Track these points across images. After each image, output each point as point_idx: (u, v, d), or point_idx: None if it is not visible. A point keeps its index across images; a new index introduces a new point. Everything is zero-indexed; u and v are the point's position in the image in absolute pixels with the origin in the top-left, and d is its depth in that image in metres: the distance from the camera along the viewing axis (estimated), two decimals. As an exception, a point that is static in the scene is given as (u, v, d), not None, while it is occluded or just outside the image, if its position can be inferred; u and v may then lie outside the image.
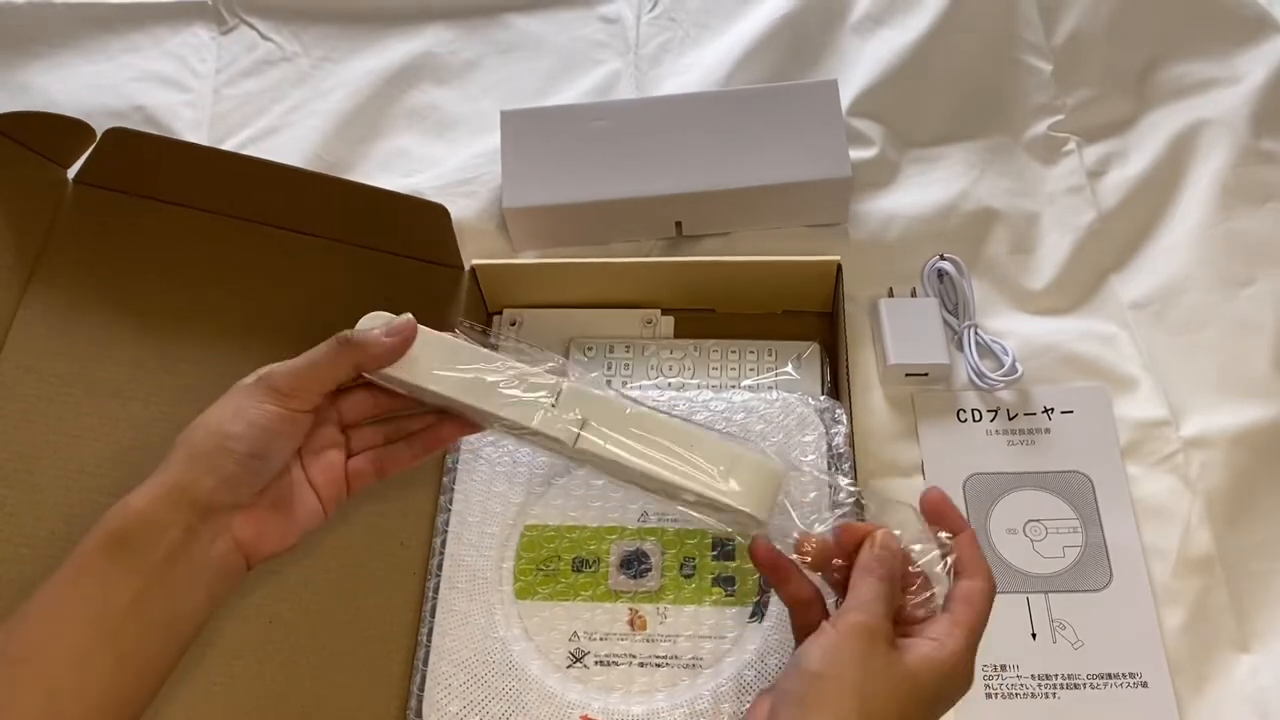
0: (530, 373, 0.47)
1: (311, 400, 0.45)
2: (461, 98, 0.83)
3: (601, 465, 0.47)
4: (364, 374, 0.47)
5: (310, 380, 0.45)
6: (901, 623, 0.43)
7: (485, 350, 0.48)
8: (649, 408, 0.47)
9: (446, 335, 0.48)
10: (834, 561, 0.44)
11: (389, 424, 0.50)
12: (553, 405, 0.46)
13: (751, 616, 0.54)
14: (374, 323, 0.47)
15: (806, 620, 0.45)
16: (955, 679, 0.42)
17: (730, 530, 0.50)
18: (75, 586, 0.41)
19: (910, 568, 0.44)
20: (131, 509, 0.42)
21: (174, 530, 0.42)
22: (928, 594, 0.44)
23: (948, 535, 0.45)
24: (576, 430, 0.46)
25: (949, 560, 0.45)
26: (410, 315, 0.48)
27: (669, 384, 0.64)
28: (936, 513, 0.45)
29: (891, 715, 0.40)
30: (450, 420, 0.50)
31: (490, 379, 0.47)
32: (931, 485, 0.47)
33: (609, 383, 0.65)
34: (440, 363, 0.47)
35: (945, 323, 0.68)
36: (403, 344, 0.46)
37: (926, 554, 0.45)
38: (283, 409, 0.44)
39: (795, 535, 0.45)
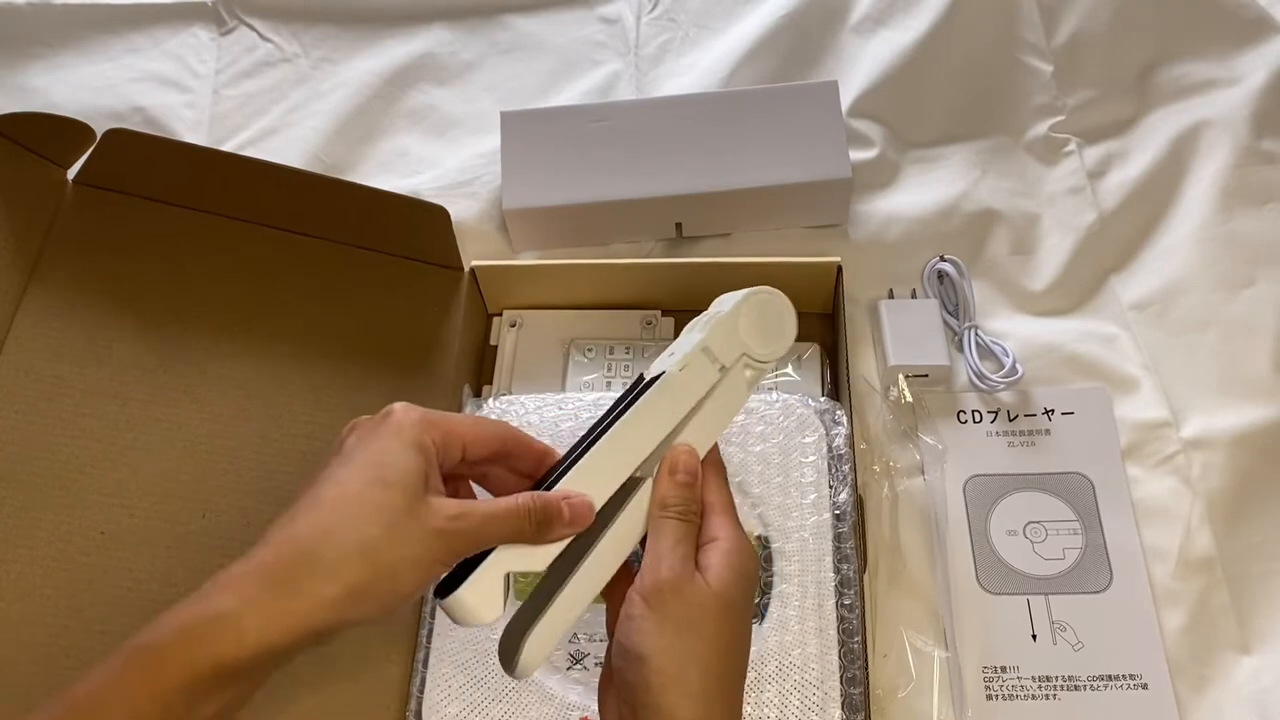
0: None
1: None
2: (461, 98, 0.83)
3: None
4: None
5: (485, 544, 0.40)
6: None
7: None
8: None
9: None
10: None
11: None
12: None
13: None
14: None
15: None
16: (745, 557, 0.42)
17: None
18: (148, 715, 0.35)
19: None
20: (249, 641, 0.35)
21: (288, 660, 0.37)
22: None
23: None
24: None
25: None
26: (592, 503, 0.42)
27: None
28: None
29: (726, 638, 0.40)
30: None
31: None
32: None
33: (609, 385, 0.65)
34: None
35: (945, 324, 0.68)
36: (574, 532, 0.42)
37: None
38: (448, 568, 0.39)
39: None
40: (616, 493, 0.43)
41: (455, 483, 0.44)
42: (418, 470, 0.39)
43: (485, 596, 0.40)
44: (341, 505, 0.38)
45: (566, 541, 0.42)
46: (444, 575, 0.40)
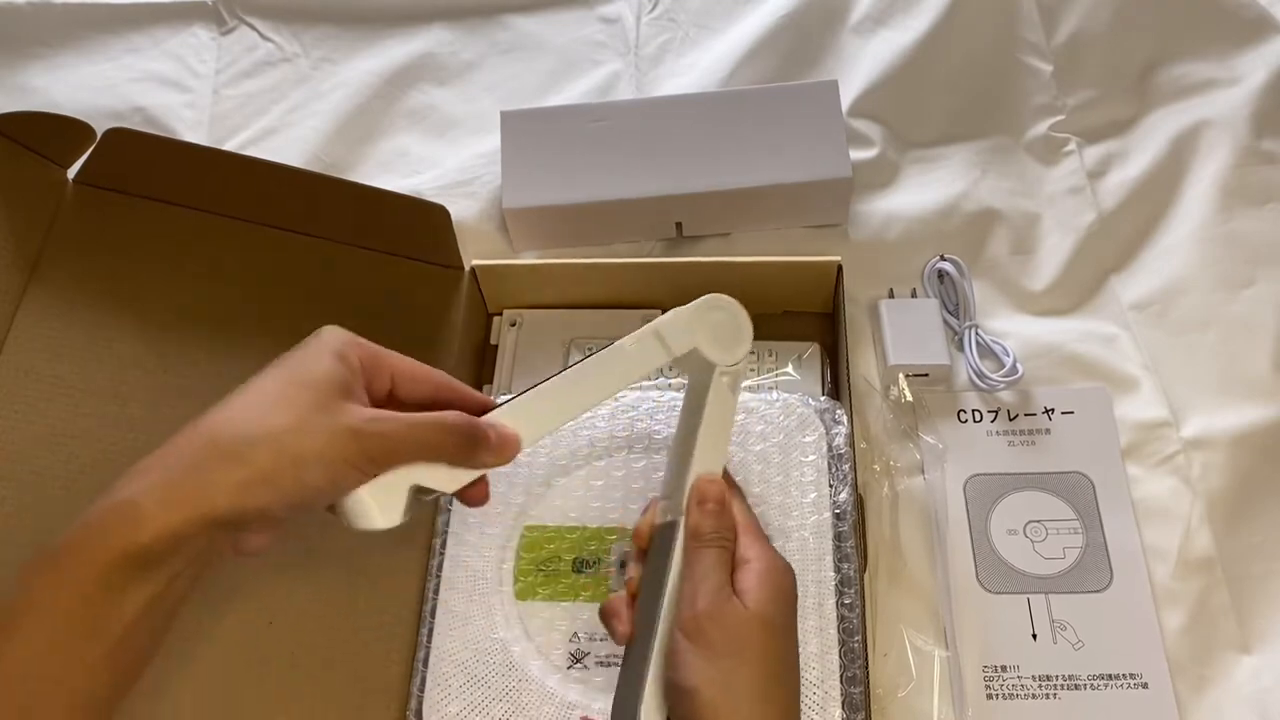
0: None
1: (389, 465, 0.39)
2: (461, 98, 0.83)
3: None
4: None
5: (404, 456, 0.39)
6: None
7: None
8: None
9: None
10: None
11: None
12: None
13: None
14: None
15: None
16: (780, 574, 0.43)
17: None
18: (79, 600, 0.35)
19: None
20: (154, 523, 0.35)
21: (193, 549, 0.37)
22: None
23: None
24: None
25: None
26: (519, 436, 0.43)
27: (669, 384, 0.64)
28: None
29: (773, 658, 0.40)
30: None
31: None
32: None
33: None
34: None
35: (946, 323, 0.68)
36: (505, 462, 0.42)
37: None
38: (362, 474, 0.38)
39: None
40: (659, 545, 0.44)
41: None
42: (338, 376, 0.39)
43: (385, 501, 0.39)
44: (254, 400, 0.38)
45: (481, 472, 0.41)
46: (352, 482, 0.38)
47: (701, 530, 0.43)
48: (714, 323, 0.49)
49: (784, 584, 0.43)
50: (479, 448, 0.41)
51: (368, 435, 0.38)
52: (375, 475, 0.38)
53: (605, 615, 0.45)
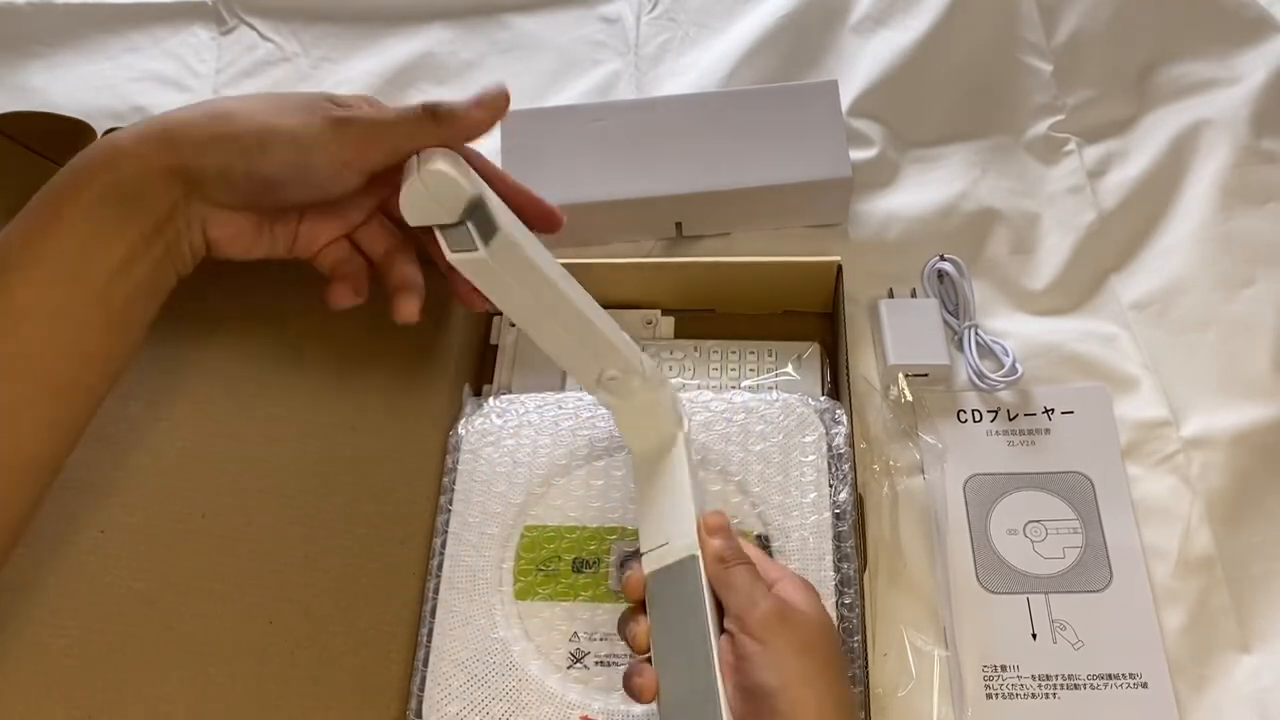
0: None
1: (369, 168, 0.41)
2: (461, 98, 0.82)
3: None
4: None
5: (385, 143, 0.41)
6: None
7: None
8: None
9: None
10: None
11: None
12: None
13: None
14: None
15: None
16: (810, 586, 0.45)
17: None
18: (69, 232, 0.37)
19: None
20: (126, 158, 0.38)
21: (166, 200, 0.39)
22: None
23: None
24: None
25: None
26: (504, 84, 0.44)
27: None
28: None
29: (836, 659, 0.42)
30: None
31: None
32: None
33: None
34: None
35: (945, 323, 0.68)
36: (493, 118, 0.43)
37: None
38: (335, 160, 0.40)
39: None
40: (674, 582, 0.46)
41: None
42: (322, 99, 0.41)
43: (452, 168, 0.41)
44: (233, 101, 0.40)
45: (485, 138, 0.43)
46: (349, 173, 0.40)
47: (724, 555, 0.45)
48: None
49: (815, 593, 0.45)
50: (454, 114, 0.42)
51: (347, 121, 0.40)
52: (344, 163, 0.40)
53: (629, 681, 0.45)
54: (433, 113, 0.41)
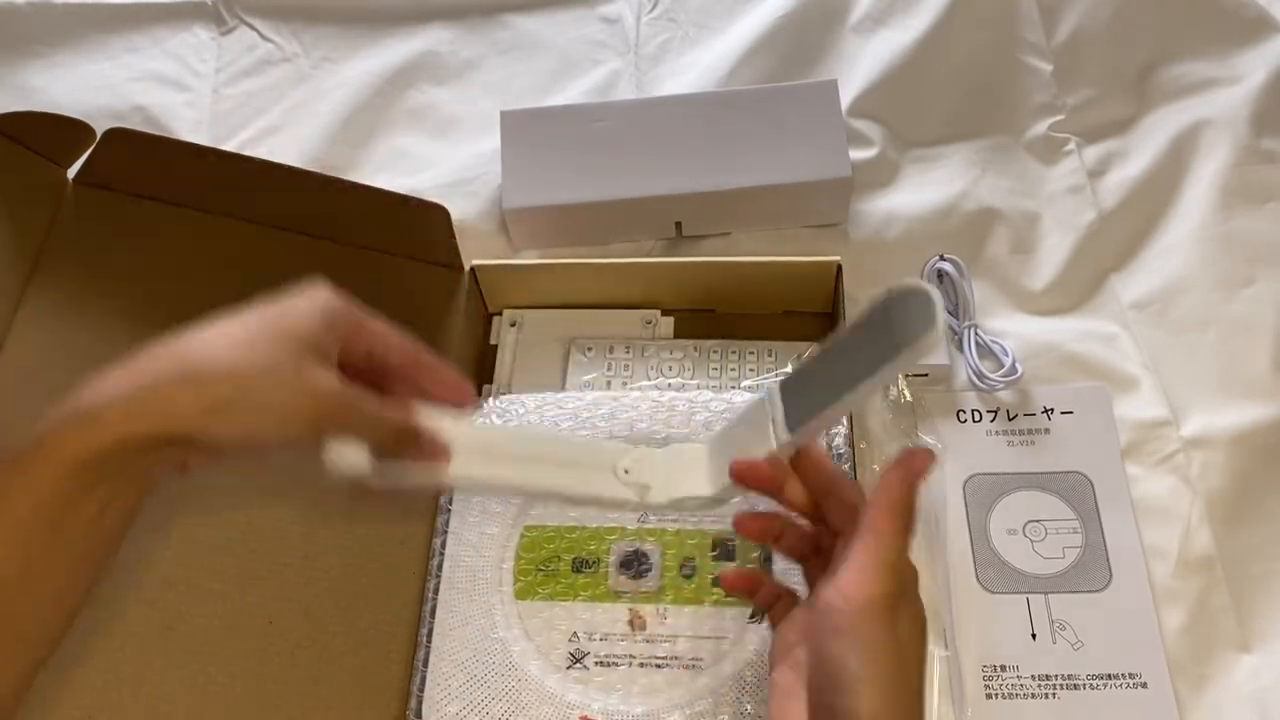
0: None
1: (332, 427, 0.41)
2: (461, 98, 0.83)
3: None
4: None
5: (349, 429, 0.41)
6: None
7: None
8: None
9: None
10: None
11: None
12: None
13: (751, 617, 0.54)
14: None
15: (817, 569, 0.44)
16: (913, 595, 0.41)
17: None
18: (36, 512, 0.37)
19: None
20: (109, 433, 0.37)
21: (150, 461, 0.39)
22: None
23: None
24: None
25: None
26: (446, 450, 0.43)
27: (669, 384, 0.64)
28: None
29: (914, 669, 0.40)
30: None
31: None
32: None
33: (609, 384, 0.65)
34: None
35: (945, 323, 0.68)
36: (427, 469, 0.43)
37: None
38: (310, 433, 0.40)
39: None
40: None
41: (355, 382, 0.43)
42: (317, 335, 0.40)
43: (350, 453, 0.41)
44: (231, 334, 0.39)
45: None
46: (301, 440, 0.39)
47: (895, 504, 0.40)
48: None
49: (920, 619, 0.42)
50: (405, 446, 0.42)
51: (325, 399, 0.39)
52: (321, 437, 0.40)
53: (758, 531, 0.44)
54: (398, 432, 0.42)
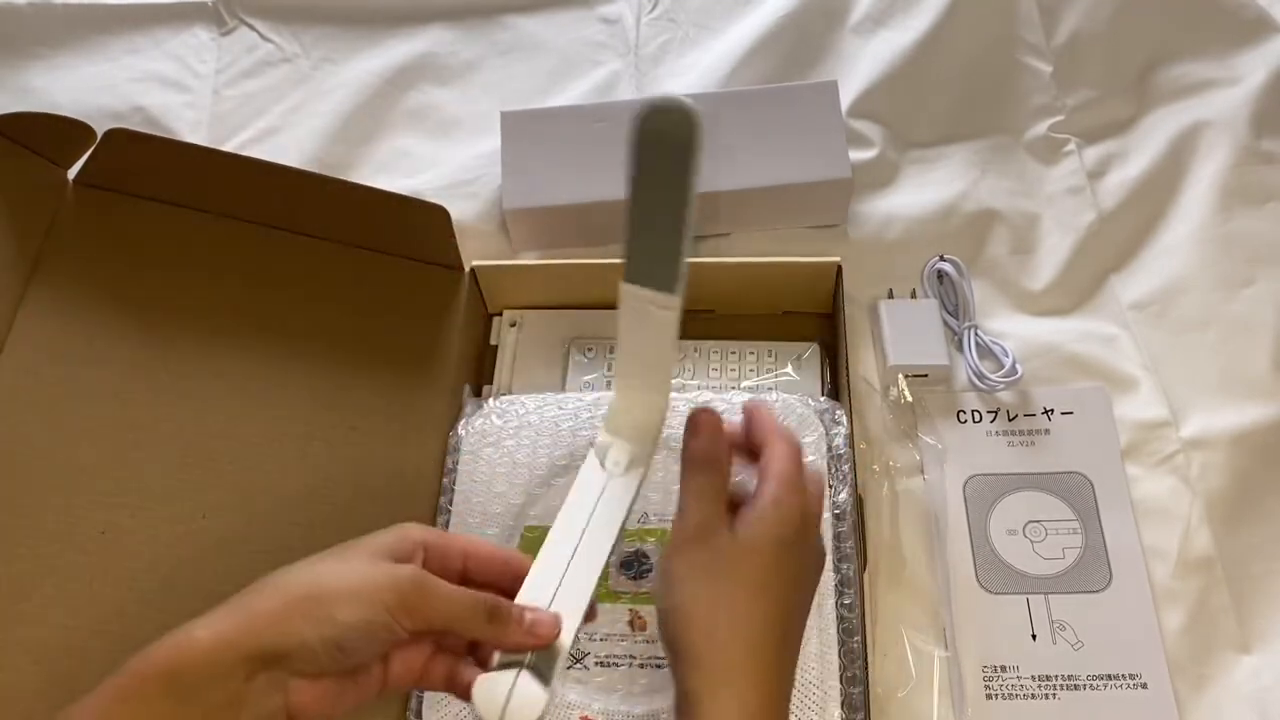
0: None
1: (423, 630, 0.41)
2: (461, 98, 0.83)
3: None
4: None
5: (437, 612, 0.40)
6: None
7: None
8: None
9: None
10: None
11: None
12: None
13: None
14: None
15: None
16: (784, 509, 0.42)
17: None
18: (126, 714, 0.37)
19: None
20: (197, 646, 0.37)
21: (237, 678, 0.37)
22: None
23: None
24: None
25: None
26: (559, 618, 0.42)
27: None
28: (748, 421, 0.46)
29: (759, 587, 0.41)
30: None
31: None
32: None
33: (609, 385, 0.65)
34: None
35: (945, 324, 0.68)
36: (537, 645, 0.41)
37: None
38: (394, 620, 0.39)
39: None
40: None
41: None
42: (395, 544, 0.41)
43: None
44: (312, 557, 0.41)
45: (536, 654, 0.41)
46: (388, 631, 0.39)
47: (692, 455, 0.44)
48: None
49: (785, 519, 0.42)
50: (506, 624, 0.41)
51: (404, 581, 0.40)
52: (410, 628, 0.39)
53: (498, 611, 0.43)
54: (493, 612, 0.41)
